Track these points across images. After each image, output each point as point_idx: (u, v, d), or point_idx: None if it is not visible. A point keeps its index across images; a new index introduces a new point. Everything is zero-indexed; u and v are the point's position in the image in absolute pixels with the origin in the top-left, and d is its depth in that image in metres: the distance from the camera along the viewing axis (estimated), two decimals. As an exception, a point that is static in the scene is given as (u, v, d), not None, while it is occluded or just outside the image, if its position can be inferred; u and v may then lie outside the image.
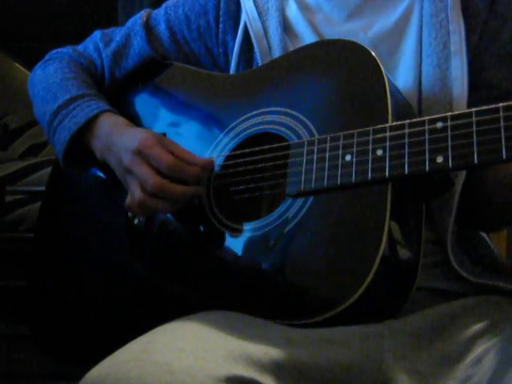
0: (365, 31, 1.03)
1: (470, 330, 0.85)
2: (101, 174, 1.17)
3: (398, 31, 1.03)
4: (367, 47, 0.92)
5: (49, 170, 2.11)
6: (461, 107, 0.94)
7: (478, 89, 0.98)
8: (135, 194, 0.96)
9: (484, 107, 0.79)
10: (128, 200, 0.98)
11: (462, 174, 0.94)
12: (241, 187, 0.98)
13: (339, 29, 1.05)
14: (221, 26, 1.12)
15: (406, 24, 1.03)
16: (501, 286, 0.95)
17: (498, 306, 0.92)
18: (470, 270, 0.95)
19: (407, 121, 0.84)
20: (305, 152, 0.90)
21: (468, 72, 0.96)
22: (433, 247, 0.96)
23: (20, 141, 2.55)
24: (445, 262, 0.95)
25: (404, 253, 0.86)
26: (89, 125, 1.07)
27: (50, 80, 1.17)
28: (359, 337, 0.82)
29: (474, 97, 0.97)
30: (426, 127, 0.82)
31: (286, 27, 1.09)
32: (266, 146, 0.96)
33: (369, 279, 0.78)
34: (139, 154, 0.97)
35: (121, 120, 1.08)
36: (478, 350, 0.81)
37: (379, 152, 0.84)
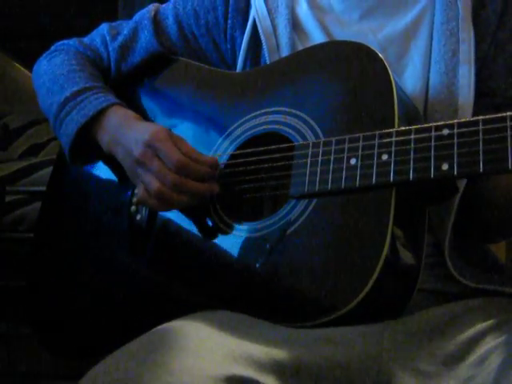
0: (374, 33, 1.03)
1: (471, 330, 0.85)
2: (104, 170, 1.17)
3: (407, 36, 1.03)
4: (376, 49, 0.92)
5: (49, 169, 2.11)
6: (466, 114, 0.95)
7: (483, 97, 0.98)
8: (151, 185, 0.95)
9: (491, 116, 0.79)
10: (141, 192, 0.98)
11: (463, 181, 0.94)
12: (244, 187, 0.98)
13: (349, 30, 1.05)
14: (229, 21, 1.12)
15: (416, 29, 1.03)
16: (501, 291, 0.95)
17: (501, 307, 0.91)
18: (468, 276, 0.95)
19: (414, 126, 0.84)
20: (309, 154, 0.90)
21: (475, 81, 0.97)
22: (431, 249, 0.96)
23: (20, 141, 2.55)
24: (443, 265, 0.95)
25: (406, 257, 0.86)
26: (97, 117, 1.07)
27: (56, 71, 1.16)
28: (359, 336, 0.82)
29: (479, 104, 0.97)
30: (433, 134, 0.82)
31: (296, 25, 1.09)
32: (271, 147, 0.96)
33: (370, 283, 0.78)
34: (150, 146, 0.96)
35: (130, 113, 1.08)
36: (480, 350, 0.81)
37: (384, 157, 0.84)
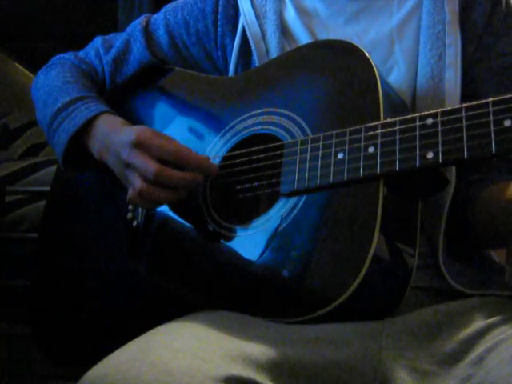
0: (359, 37, 1.04)
1: (470, 329, 0.85)
2: (101, 176, 1.17)
3: (391, 39, 1.04)
4: (360, 46, 0.93)
5: (49, 169, 2.11)
6: None
7: (469, 100, 0.98)
8: (136, 184, 0.96)
9: (473, 102, 0.79)
10: (129, 193, 0.98)
11: (450, 192, 0.95)
12: (236, 188, 0.99)
13: (334, 34, 1.06)
14: (219, 29, 1.13)
15: (402, 33, 1.04)
16: (499, 295, 0.95)
17: (500, 306, 0.92)
18: (465, 281, 0.95)
19: (398, 118, 0.84)
20: (298, 151, 0.91)
21: (461, 84, 0.98)
22: (427, 249, 0.96)
23: (20, 141, 2.55)
24: (439, 267, 0.95)
25: (397, 250, 0.87)
26: (87, 126, 1.08)
27: (51, 84, 1.18)
28: (357, 336, 0.82)
29: None
30: (417, 123, 0.82)
31: (284, 30, 1.10)
32: (261, 147, 0.97)
33: (360, 276, 0.79)
34: (138, 145, 0.96)
35: (118, 120, 1.08)
36: (479, 349, 0.81)
37: (371, 149, 0.84)
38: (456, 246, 0.98)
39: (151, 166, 0.94)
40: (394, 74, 1.02)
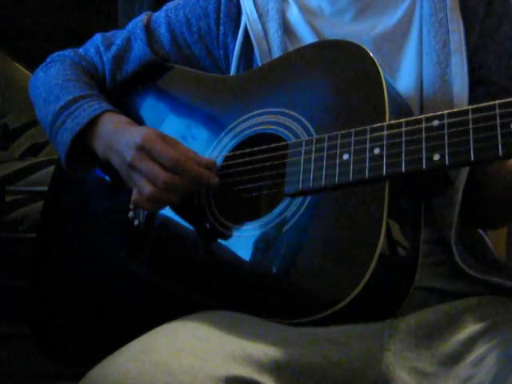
0: (367, 33, 1.04)
1: (471, 329, 0.85)
2: (102, 175, 1.17)
3: (400, 32, 1.04)
4: (365, 47, 0.93)
5: (49, 169, 2.11)
6: (462, 104, 0.96)
7: (477, 85, 0.99)
8: (144, 189, 0.95)
9: (480, 105, 0.80)
10: (135, 196, 0.98)
11: (465, 172, 0.95)
12: (240, 187, 0.99)
13: (341, 31, 1.05)
14: (221, 28, 1.13)
15: (408, 24, 1.04)
16: (504, 284, 0.95)
17: (500, 307, 0.92)
18: (473, 267, 0.95)
19: (404, 119, 0.84)
20: (303, 151, 0.91)
21: (468, 69, 0.98)
22: (435, 247, 0.96)
23: (20, 141, 2.55)
24: (447, 261, 0.96)
25: (402, 251, 0.87)
26: (91, 125, 1.07)
27: (51, 82, 1.17)
28: (359, 336, 0.83)
29: (474, 93, 0.98)
30: (423, 125, 0.82)
31: (287, 29, 1.09)
32: (265, 146, 0.97)
33: (366, 278, 0.79)
34: (142, 149, 0.97)
35: (123, 119, 1.08)
36: (479, 350, 0.81)
37: (376, 150, 0.84)
38: (465, 239, 0.98)
39: (161, 174, 0.94)
40: (404, 66, 1.02)
